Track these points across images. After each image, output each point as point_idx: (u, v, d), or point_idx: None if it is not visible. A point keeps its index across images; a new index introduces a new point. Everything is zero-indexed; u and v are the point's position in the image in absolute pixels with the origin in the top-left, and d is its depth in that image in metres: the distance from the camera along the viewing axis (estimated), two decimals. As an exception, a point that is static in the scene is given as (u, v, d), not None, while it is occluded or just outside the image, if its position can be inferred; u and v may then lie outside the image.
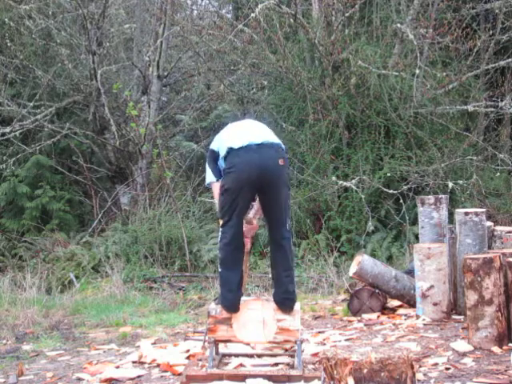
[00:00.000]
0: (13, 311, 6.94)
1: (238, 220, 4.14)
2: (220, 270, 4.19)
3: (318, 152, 9.37)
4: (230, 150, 4.08)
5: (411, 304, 6.14)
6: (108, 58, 11.65)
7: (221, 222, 4.19)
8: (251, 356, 4.35)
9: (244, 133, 4.20)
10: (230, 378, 3.92)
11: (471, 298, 4.73)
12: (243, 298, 4.23)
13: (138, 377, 4.54)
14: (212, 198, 8.37)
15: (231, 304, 4.12)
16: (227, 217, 4.10)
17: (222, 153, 4.16)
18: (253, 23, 9.38)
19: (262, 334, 4.12)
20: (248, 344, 4.52)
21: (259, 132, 4.23)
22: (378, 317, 6.07)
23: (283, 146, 4.28)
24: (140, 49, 11.86)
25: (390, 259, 8.58)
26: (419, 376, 4.04)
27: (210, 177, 4.39)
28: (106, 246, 9.25)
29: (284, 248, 4.29)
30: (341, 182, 8.83)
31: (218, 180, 4.31)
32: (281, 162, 4.12)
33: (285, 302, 4.15)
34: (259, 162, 4.03)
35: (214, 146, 4.36)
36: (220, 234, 4.19)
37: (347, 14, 9.60)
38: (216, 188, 4.31)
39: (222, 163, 4.23)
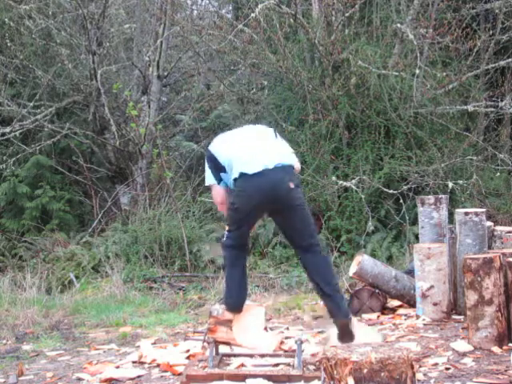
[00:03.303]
0: (13, 311, 6.94)
1: (247, 228, 4.19)
2: (226, 267, 4.24)
3: (318, 152, 9.37)
4: (242, 175, 4.02)
5: (411, 304, 6.14)
6: (108, 58, 11.64)
7: (228, 227, 4.23)
8: (252, 356, 4.35)
9: (256, 153, 4.07)
10: (230, 377, 3.92)
11: (471, 298, 4.73)
12: (247, 302, 4.24)
13: (138, 377, 4.54)
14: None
15: (234, 302, 4.13)
16: (235, 227, 4.14)
17: (232, 174, 4.10)
18: (253, 23, 9.38)
19: (263, 342, 4.13)
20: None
21: (272, 151, 4.11)
22: (378, 317, 6.07)
23: (294, 162, 4.21)
24: (140, 49, 11.85)
25: (389, 259, 8.58)
26: (419, 376, 4.04)
27: (210, 179, 4.35)
28: (106, 245, 9.25)
29: (318, 254, 4.15)
30: (341, 182, 8.83)
31: (219, 184, 4.30)
32: (291, 185, 4.05)
33: (344, 336, 4.14)
34: (271, 187, 3.99)
35: (216, 151, 4.26)
36: (226, 233, 4.21)
37: (347, 14, 9.60)
38: (217, 191, 4.32)
39: (228, 178, 4.18)
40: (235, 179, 4.06)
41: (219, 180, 4.27)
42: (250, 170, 3.98)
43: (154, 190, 10.57)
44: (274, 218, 4.29)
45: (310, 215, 4.23)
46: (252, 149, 4.12)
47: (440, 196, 6.25)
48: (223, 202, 4.32)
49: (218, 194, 4.34)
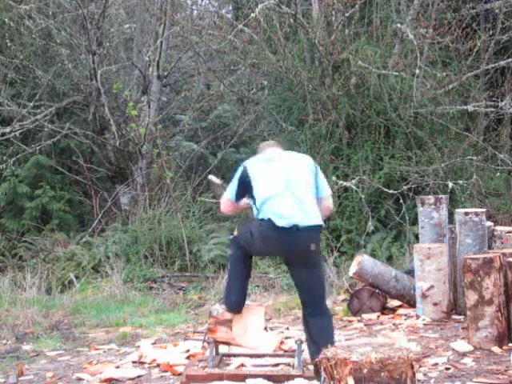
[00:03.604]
0: (13, 311, 6.94)
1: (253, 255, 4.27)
2: (229, 265, 4.27)
3: (318, 152, 9.36)
4: (270, 222, 3.94)
5: (411, 304, 6.14)
6: (108, 58, 11.64)
7: (235, 233, 4.21)
8: (252, 356, 4.35)
9: (291, 208, 3.95)
10: (230, 378, 3.92)
11: (471, 297, 4.73)
12: (247, 302, 4.24)
13: (138, 377, 4.54)
14: (213, 197, 8.30)
15: (234, 303, 4.14)
16: (246, 246, 4.12)
17: (261, 211, 4.02)
18: (253, 23, 9.37)
19: (262, 342, 4.13)
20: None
21: (306, 210, 3.99)
22: (378, 317, 6.08)
23: (322, 221, 4.12)
24: (140, 49, 11.85)
25: (390, 259, 8.58)
26: (419, 376, 4.04)
27: (230, 193, 4.24)
28: (106, 246, 9.25)
29: (324, 317, 4.10)
30: (341, 181, 8.82)
31: (235, 201, 4.24)
32: (312, 247, 3.99)
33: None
34: (293, 245, 3.94)
35: (253, 175, 4.13)
36: (231, 240, 4.22)
37: (347, 14, 9.60)
38: (228, 204, 4.28)
39: (253, 204, 4.12)
40: (262, 219, 4.00)
41: (237, 198, 4.21)
42: (280, 223, 3.91)
43: (154, 190, 10.56)
44: (288, 267, 4.23)
45: (323, 276, 4.25)
46: (289, 201, 3.99)
47: (440, 196, 6.25)
48: (227, 212, 4.43)
49: (226, 206, 4.31)
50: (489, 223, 6.16)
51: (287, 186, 4.03)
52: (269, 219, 3.94)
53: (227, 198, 4.26)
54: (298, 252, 3.97)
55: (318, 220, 4.02)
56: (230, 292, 4.18)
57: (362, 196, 8.77)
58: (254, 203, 4.10)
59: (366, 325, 5.79)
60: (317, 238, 4.05)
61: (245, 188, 4.14)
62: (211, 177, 4.89)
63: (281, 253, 4.12)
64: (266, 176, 4.11)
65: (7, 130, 10.25)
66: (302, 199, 4.01)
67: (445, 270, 5.76)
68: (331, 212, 4.50)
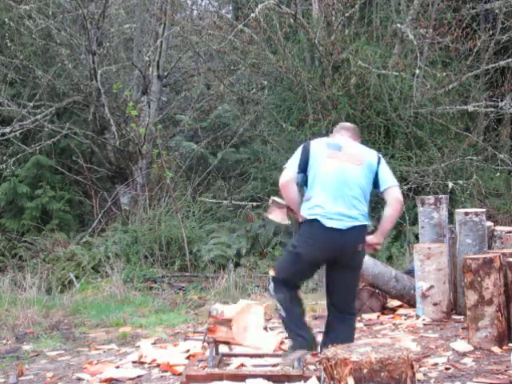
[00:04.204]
0: (13, 311, 6.94)
1: (299, 283, 4.03)
2: (282, 311, 3.89)
3: (318, 152, 9.36)
4: (317, 222, 3.81)
5: (411, 304, 6.13)
6: (108, 57, 11.65)
7: (274, 272, 3.94)
8: (251, 356, 4.35)
9: (341, 206, 3.83)
10: (230, 378, 3.92)
11: (471, 298, 4.73)
12: (245, 301, 4.23)
13: (138, 377, 4.53)
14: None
15: (306, 341, 3.83)
16: (287, 277, 3.89)
17: (307, 206, 3.88)
18: (253, 23, 9.38)
19: (262, 341, 4.12)
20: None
21: (356, 207, 3.89)
22: (378, 317, 6.07)
23: (368, 220, 4.01)
24: (140, 49, 11.86)
25: (390, 259, 8.57)
26: (419, 376, 4.03)
27: (292, 164, 3.96)
28: (106, 246, 9.25)
29: (350, 324, 4.03)
30: (341, 181, 8.81)
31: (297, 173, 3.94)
32: (360, 247, 3.93)
33: None
34: (341, 246, 3.83)
35: (315, 152, 3.94)
36: (272, 282, 3.93)
37: (347, 14, 9.61)
38: (289, 176, 3.92)
39: (306, 185, 3.97)
40: (308, 220, 3.84)
41: (299, 169, 3.93)
42: (328, 223, 3.79)
43: (154, 190, 10.57)
44: (329, 270, 4.02)
45: (359, 281, 4.20)
46: (337, 199, 3.85)
47: (440, 196, 6.24)
48: (287, 187, 3.93)
49: (288, 179, 3.94)
50: (489, 223, 6.16)
51: (339, 182, 3.88)
52: (315, 220, 3.81)
53: (290, 170, 3.94)
54: (345, 253, 3.86)
55: (366, 219, 3.95)
56: (295, 333, 3.86)
57: (362, 196, 8.76)
58: (306, 185, 3.96)
59: (366, 325, 5.78)
60: (363, 239, 3.95)
61: (305, 162, 3.92)
62: (275, 198, 4.17)
63: (329, 255, 3.86)
64: (322, 165, 3.91)
65: (7, 129, 10.26)
66: (355, 197, 3.89)
67: (445, 270, 5.76)
68: (402, 204, 4.22)
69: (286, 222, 4.12)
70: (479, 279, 4.67)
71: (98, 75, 10.50)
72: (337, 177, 3.89)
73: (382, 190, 4.08)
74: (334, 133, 4.26)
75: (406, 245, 8.60)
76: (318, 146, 4.01)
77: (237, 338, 4.08)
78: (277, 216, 4.08)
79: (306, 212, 3.88)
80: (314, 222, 3.82)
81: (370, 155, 4.06)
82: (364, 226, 3.94)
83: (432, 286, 5.70)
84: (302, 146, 4.03)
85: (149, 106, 11.19)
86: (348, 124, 4.40)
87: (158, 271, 8.71)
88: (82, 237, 10.14)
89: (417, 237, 7.27)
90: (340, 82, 9.43)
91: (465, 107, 9.47)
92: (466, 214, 5.71)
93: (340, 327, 3.96)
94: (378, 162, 4.05)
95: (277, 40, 9.56)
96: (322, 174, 3.90)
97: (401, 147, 9.30)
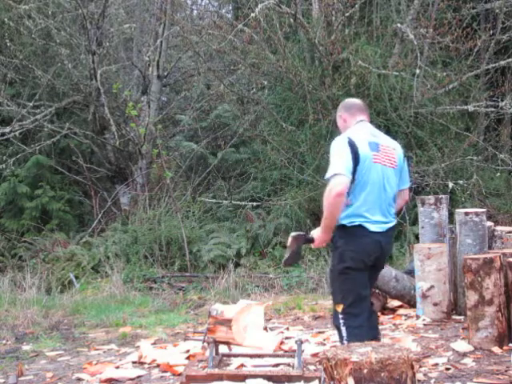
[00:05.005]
0: (13, 311, 6.93)
1: (366, 297, 3.73)
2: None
3: (318, 152, 9.36)
4: (362, 228, 3.60)
5: (411, 304, 6.13)
6: (108, 57, 11.65)
7: (341, 306, 3.64)
8: (252, 356, 4.34)
9: (383, 208, 3.69)
10: (230, 378, 3.91)
11: (471, 298, 4.72)
12: (246, 301, 4.22)
13: (138, 377, 4.53)
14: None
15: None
16: (354, 298, 3.61)
17: (353, 213, 3.61)
18: (253, 23, 9.37)
19: (262, 341, 4.11)
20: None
21: (392, 208, 3.78)
22: (378, 317, 6.06)
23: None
24: (140, 49, 11.87)
25: (390, 259, 8.57)
26: (419, 376, 4.03)
27: (346, 168, 3.49)
28: (106, 246, 9.25)
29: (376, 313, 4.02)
30: (341, 181, 8.81)
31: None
32: (391, 248, 4.00)
33: None
34: (382, 249, 3.71)
35: (361, 151, 3.59)
36: (343, 317, 3.62)
37: (347, 14, 9.60)
38: (343, 180, 3.44)
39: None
40: (349, 227, 3.60)
41: (352, 173, 3.53)
42: (371, 227, 3.62)
43: (153, 190, 10.57)
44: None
45: None
46: (381, 202, 3.68)
47: (440, 196, 6.24)
48: (341, 197, 3.47)
49: (343, 184, 3.46)
50: (489, 223, 6.15)
51: (380, 188, 3.68)
52: (360, 226, 3.60)
53: (346, 176, 3.46)
54: (384, 255, 3.79)
55: (394, 220, 3.85)
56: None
57: (362, 196, 8.76)
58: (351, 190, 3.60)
59: (366, 325, 5.78)
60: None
61: (354, 167, 3.53)
62: (294, 234, 3.82)
63: (374, 259, 3.69)
64: (371, 171, 3.62)
65: (7, 129, 10.26)
66: (389, 199, 3.76)
67: (445, 270, 5.75)
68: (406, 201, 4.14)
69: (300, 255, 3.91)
70: (479, 279, 4.67)
71: (97, 75, 10.50)
72: (379, 183, 3.67)
73: (399, 188, 3.90)
74: (344, 113, 3.89)
75: (406, 245, 8.59)
76: (363, 146, 3.63)
77: (237, 338, 4.07)
78: (294, 251, 3.79)
79: (348, 220, 3.62)
80: (358, 229, 3.61)
81: (399, 151, 3.89)
82: (395, 226, 3.88)
83: (432, 286, 5.69)
84: (346, 144, 3.58)
85: (149, 106, 11.19)
86: (359, 102, 4.00)
87: (157, 271, 8.71)
88: (81, 237, 10.14)
89: (417, 237, 7.27)
90: (340, 81, 9.43)
91: (465, 107, 9.46)
92: (467, 214, 5.70)
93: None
94: (404, 159, 3.93)
95: (277, 40, 9.56)
96: (369, 182, 3.60)
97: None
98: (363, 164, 3.58)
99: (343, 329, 3.61)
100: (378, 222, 3.67)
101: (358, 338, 3.33)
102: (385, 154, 3.74)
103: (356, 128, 3.79)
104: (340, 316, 3.63)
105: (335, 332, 5.45)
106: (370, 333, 3.58)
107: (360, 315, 3.61)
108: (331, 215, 3.52)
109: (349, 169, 3.50)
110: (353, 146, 3.57)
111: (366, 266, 3.69)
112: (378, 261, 3.80)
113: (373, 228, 3.63)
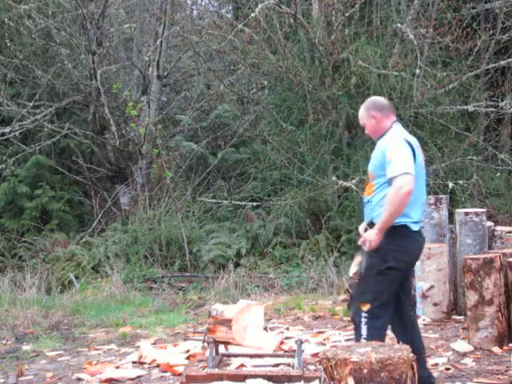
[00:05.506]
0: (13, 311, 6.94)
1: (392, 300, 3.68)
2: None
3: (318, 152, 9.36)
4: (406, 228, 3.58)
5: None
6: (108, 57, 11.65)
7: (367, 305, 3.60)
8: (252, 356, 4.34)
9: (421, 208, 3.71)
10: (230, 378, 3.91)
11: (471, 298, 4.72)
12: (246, 301, 4.22)
13: (138, 377, 4.53)
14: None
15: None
16: (383, 298, 3.58)
17: (398, 218, 3.57)
18: (253, 23, 9.36)
19: (262, 341, 4.11)
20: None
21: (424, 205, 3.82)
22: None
23: None
24: (140, 49, 11.86)
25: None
26: (419, 376, 4.03)
27: (411, 165, 3.50)
28: (106, 246, 9.25)
29: (418, 327, 3.95)
30: (341, 181, 8.82)
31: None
32: None
33: None
34: (420, 247, 3.76)
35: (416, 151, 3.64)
36: (366, 316, 3.58)
37: (347, 14, 9.59)
38: (410, 178, 3.44)
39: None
40: (395, 227, 3.55)
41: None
42: (414, 227, 3.62)
43: (153, 190, 10.57)
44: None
45: None
46: (419, 201, 3.70)
47: (440, 196, 6.25)
48: (409, 195, 3.47)
49: (412, 183, 3.47)
50: (489, 223, 6.16)
51: (421, 188, 3.70)
52: (404, 226, 3.58)
53: (411, 174, 3.47)
54: (421, 253, 3.87)
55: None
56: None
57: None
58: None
59: (366, 325, 5.77)
60: None
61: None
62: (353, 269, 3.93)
63: (415, 259, 3.76)
64: (420, 172, 3.66)
65: (7, 130, 10.26)
66: (424, 199, 3.80)
67: (445, 271, 5.75)
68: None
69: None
70: (479, 279, 4.67)
71: (97, 75, 10.50)
72: (422, 183, 3.72)
73: None
74: (378, 113, 3.79)
75: (406, 245, 8.58)
76: (416, 147, 3.67)
77: (237, 338, 4.07)
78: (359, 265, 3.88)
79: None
80: (402, 228, 3.59)
81: (422, 152, 3.88)
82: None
83: (432, 286, 5.70)
84: (406, 144, 3.60)
85: (149, 106, 11.19)
86: (387, 102, 3.94)
87: (157, 271, 8.71)
88: (81, 237, 10.14)
89: (417, 237, 7.25)
90: (340, 81, 9.42)
91: (465, 107, 9.46)
92: (467, 214, 5.71)
93: (415, 335, 3.84)
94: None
95: (277, 40, 9.55)
96: (417, 183, 3.56)
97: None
98: (417, 165, 3.60)
99: (364, 327, 3.57)
100: (418, 222, 3.69)
101: (377, 339, 3.31)
102: (421, 156, 3.77)
103: (398, 128, 3.79)
104: (363, 314, 3.59)
105: (335, 332, 5.46)
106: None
107: (383, 317, 3.60)
108: (396, 213, 3.50)
109: (413, 168, 3.51)
110: (411, 147, 3.60)
111: (408, 266, 3.71)
112: (416, 261, 3.84)
113: (414, 228, 3.64)
